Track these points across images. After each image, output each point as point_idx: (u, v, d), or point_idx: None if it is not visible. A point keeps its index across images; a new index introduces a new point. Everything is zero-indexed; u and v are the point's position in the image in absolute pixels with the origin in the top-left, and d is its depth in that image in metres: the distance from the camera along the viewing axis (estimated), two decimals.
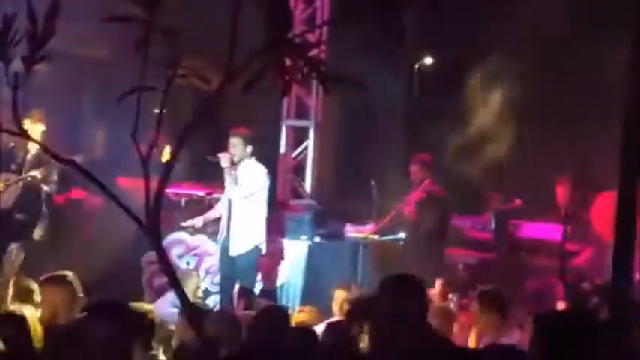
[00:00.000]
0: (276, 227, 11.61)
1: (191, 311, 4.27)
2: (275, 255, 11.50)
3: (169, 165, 4.04)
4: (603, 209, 11.16)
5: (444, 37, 15.92)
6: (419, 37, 15.76)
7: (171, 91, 4.06)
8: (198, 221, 11.10)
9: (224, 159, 10.61)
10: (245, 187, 10.65)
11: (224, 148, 10.81)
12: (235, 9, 3.78)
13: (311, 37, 10.83)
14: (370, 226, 11.91)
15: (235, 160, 10.67)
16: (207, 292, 11.46)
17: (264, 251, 10.90)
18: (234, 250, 10.67)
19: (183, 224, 11.28)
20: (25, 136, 4.06)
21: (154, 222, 3.97)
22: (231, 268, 10.75)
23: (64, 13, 3.98)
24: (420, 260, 10.87)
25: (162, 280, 10.90)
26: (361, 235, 12.02)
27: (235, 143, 10.72)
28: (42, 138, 10.32)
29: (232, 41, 3.69)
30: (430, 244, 11.24)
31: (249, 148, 10.75)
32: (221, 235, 10.81)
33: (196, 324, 4.23)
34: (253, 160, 10.81)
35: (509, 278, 11.23)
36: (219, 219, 10.94)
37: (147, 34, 3.84)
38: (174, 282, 4.08)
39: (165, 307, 8.78)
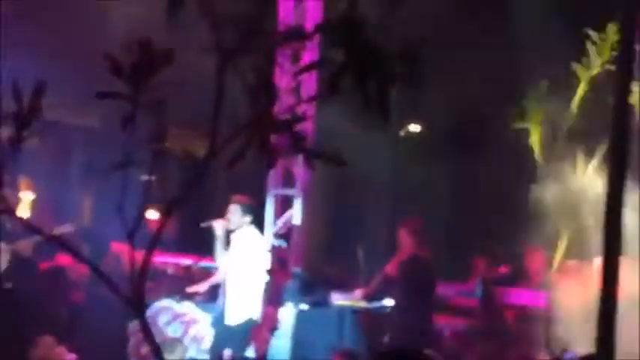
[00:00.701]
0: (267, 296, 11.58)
1: None
2: (268, 323, 11.46)
3: (156, 237, 4.07)
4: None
5: (430, 105, 16.06)
6: (405, 106, 15.91)
7: (159, 161, 4.11)
8: (203, 286, 11.08)
9: (218, 226, 10.62)
10: (243, 256, 10.64)
11: (214, 215, 10.85)
12: (220, 85, 3.85)
13: (297, 109, 10.89)
14: (358, 292, 11.91)
15: (232, 227, 10.64)
16: None
17: (258, 320, 10.89)
18: (231, 320, 10.63)
19: (189, 290, 11.23)
20: (9, 212, 4.09)
21: (139, 293, 4.00)
22: (223, 337, 10.70)
23: (53, 82, 4.04)
24: (409, 328, 10.89)
25: (148, 348, 10.84)
26: (348, 302, 12.01)
27: (234, 211, 10.69)
28: (31, 206, 10.35)
29: (215, 116, 3.75)
30: (416, 308, 11.23)
31: (248, 217, 10.74)
32: (221, 301, 10.77)
33: None
34: (252, 228, 10.81)
35: (496, 346, 11.24)
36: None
37: (132, 110, 3.90)
38: (157, 353, 4.11)
39: None
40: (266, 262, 11.09)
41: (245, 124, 3.74)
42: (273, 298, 11.58)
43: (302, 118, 4.13)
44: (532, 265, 12.00)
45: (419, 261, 11.35)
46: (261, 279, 10.84)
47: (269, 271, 11.50)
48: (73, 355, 9.03)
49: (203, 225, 10.68)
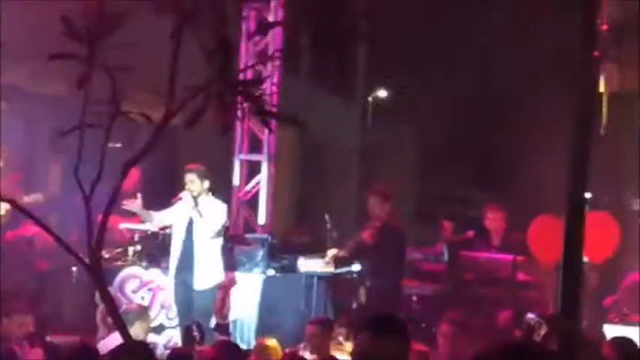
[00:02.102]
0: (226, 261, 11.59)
1: (136, 350, 4.25)
2: (227, 288, 11.47)
3: (112, 200, 4.04)
4: (540, 233, 11.31)
5: (397, 68, 16.04)
6: (371, 70, 15.89)
7: (117, 126, 4.07)
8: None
9: (186, 197, 10.62)
10: (210, 225, 10.64)
11: (179, 183, 10.81)
12: (176, 45, 3.81)
13: (263, 72, 10.88)
14: (330, 253, 11.88)
15: (194, 195, 10.66)
16: (161, 327, 11.38)
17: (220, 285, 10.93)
18: (199, 285, 10.64)
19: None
20: None
21: (97, 259, 3.97)
22: (188, 302, 10.72)
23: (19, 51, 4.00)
24: (381, 294, 10.94)
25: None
26: (315, 268, 12.01)
27: (192, 179, 10.70)
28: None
29: (171, 78, 3.72)
30: (388, 276, 11.28)
31: (207, 183, 10.74)
32: (173, 269, 10.78)
33: None
34: (211, 195, 10.80)
35: (463, 310, 11.29)
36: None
37: (88, 72, 3.86)
38: (118, 322, 4.08)
39: (115, 344, 8.70)
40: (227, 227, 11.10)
41: (201, 86, 3.71)
42: (232, 262, 11.59)
43: (261, 80, 4.10)
44: (492, 225, 12.06)
45: (394, 228, 11.38)
46: (222, 245, 10.86)
47: (229, 236, 11.51)
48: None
49: (175, 201, 10.68)
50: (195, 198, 10.66)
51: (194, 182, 10.69)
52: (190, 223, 10.73)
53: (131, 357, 4.54)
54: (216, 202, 10.83)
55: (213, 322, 11.13)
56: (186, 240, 10.77)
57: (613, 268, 11.56)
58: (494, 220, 12.09)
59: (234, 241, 12.00)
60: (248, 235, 12.69)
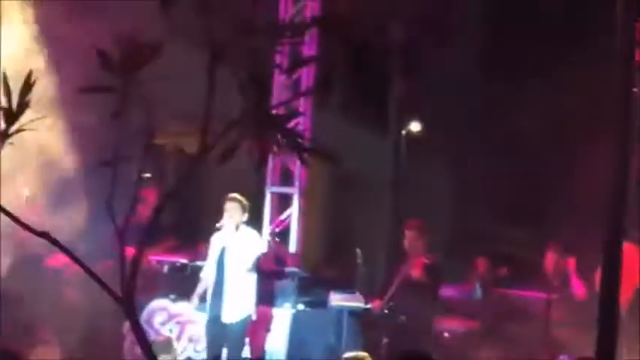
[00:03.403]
0: (262, 295, 11.51)
1: None
2: (264, 322, 11.40)
3: (147, 232, 3.99)
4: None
5: (430, 103, 16.00)
6: (405, 104, 15.85)
7: (152, 157, 4.04)
8: (194, 303, 10.95)
9: (228, 225, 10.51)
10: (247, 255, 10.57)
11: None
12: (210, 77, 3.77)
13: (296, 106, 10.85)
14: (376, 303, 11.67)
15: (233, 226, 10.54)
16: None
17: (254, 318, 10.82)
18: (229, 318, 10.54)
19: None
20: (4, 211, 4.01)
21: (129, 291, 3.92)
22: (219, 336, 10.63)
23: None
24: (415, 330, 10.86)
25: None
26: (346, 303, 11.89)
27: (235, 208, 10.60)
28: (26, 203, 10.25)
29: (207, 113, 3.67)
30: (426, 312, 11.20)
31: (245, 216, 10.68)
32: (209, 302, 10.68)
33: None
34: (247, 227, 10.75)
35: (496, 348, 11.16)
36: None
37: (122, 103, 3.83)
38: (149, 354, 4.03)
39: None
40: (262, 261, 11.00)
41: (236, 120, 3.66)
42: (268, 296, 11.52)
43: (296, 114, 4.07)
44: (549, 265, 11.79)
45: (438, 265, 11.32)
46: (256, 278, 10.77)
47: (265, 270, 11.42)
48: None
49: (218, 225, 10.56)
50: (236, 227, 10.55)
51: (236, 212, 10.58)
52: (223, 253, 10.64)
53: None
54: (254, 232, 10.78)
55: (245, 354, 11.05)
56: (218, 270, 10.68)
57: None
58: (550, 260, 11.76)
59: (264, 275, 11.94)
60: (278, 269, 12.63)
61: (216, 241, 10.74)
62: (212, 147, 3.72)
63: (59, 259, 11.49)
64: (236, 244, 10.57)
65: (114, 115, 3.84)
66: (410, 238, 11.36)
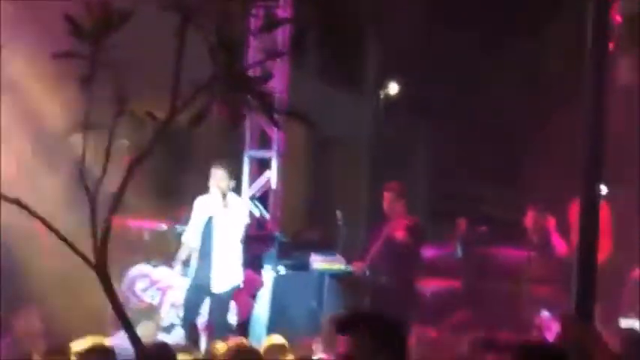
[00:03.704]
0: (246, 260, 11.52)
1: (143, 352, 4.18)
2: (249, 288, 11.41)
3: (117, 197, 3.99)
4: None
5: (410, 63, 15.97)
6: (383, 65, 15.81)
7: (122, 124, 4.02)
8: (177, 268, 10.93)
9: (215, 194, 10.44)
10: (237, 225, 10.53)
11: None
12: (180, 42, 3.76)
13: (271, 68, 10.80)
14: (357, 264, 11.71)
15: (223, 193, 10.49)
16: (172, 327, 11.33)
17: (241, 286, 10.85)
18: (219, 288, 10.52)
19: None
20: None
21: (102, 258, 3.93)
22: (200, 303, 10.62)
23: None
24: (403, 292, 10.95)
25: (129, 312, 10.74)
26: (327, 266, 11.93)
27: (223, 176, 10.53)
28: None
29: (176, 76, 3.66)
30: (408, 273, 11.29)
31: (232, 183, 10.64)
32: (194, 269, 10.63)
33: None
34: (233, 195, 10.72)
35: (478, 306, 11.23)
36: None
37: (91, 70, 3.82)
38: (125, 322, 4.03)
39: (125, 342, 8.62)
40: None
41: (204, 84, 3.66)
42: (253, 262, 11.53)
43: (268, 76, 4.06)
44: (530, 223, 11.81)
45: (421, 227, 11.43)
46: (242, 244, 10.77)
47: (249, 236, 11.43)
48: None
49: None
50: (224, 196, 10.50)
51: (224, 180, 10.51)
52: (210, 222, 10.59)
53: None
54: (240, 199, 10.75)
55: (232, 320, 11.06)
56: (206, 239, 10.64)
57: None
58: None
59: (248, 240, 11.95)
60: (261, 234, 12.64)
61: (201, 207, 10.69)
62: (181, 111, 3.71)
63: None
64: (224, 212, 10.50)
65: (83, 80, 3.83)
66: (389, 200, 11.41)
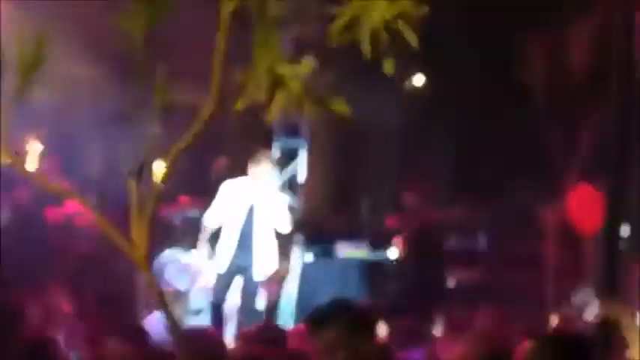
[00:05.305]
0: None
1: (178, 333, 4.27)
2: (283, 276, 11.55)
3: (161, 187, 4.11)
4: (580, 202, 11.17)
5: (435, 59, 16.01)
6: (410, 59, 15.86)
7: (165, 112, 4.15)
8: (205, 251, 10.98)
9: (259, 182, 10.46)
10: (279, 218, 10.59)
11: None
12: (221, 34, 3.87)
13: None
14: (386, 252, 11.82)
15: (267, 182, 10.56)
16: (200, 311, 11.44)
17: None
18: (260, 276, 10.63)
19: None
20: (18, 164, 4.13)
21: (145, 247, 4.04)
22: (228, 288, 10.69)
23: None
24: (430, 281, 11.08)
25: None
26: (354, 253, 12.05)
27: (264, 168, 10.58)
28: (40, 157, 10.32)
29: (217, 74, 3.76)
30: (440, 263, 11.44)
31: (276, 173, 10.70)
32: (230, 254, 10.72)
33: (183, 346, 4.29)
34: (276, 187, 10.80)
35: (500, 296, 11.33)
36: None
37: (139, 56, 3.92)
38: (162, 303, 4.16)
39: (156, 324, 8.73)
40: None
41: (243, 73, 3.78)
42: (284, 249, 11.62)
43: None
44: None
45: (446, 216, 11.57)
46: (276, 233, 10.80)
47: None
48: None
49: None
50: (267, 185, 10.57)
51: (268, 170, 10.58)
52: (251, 212, 10.62)
53: None
54: (284, 196, 10.81)
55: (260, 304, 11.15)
56: (246, 228, 10.63)
57: None
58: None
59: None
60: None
61: (227, 191, 10.73)
62: (222, 102, 3.84)
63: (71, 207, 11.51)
64: (266, 204, 10.57)
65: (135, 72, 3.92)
66: (412, 193, 11.56)
